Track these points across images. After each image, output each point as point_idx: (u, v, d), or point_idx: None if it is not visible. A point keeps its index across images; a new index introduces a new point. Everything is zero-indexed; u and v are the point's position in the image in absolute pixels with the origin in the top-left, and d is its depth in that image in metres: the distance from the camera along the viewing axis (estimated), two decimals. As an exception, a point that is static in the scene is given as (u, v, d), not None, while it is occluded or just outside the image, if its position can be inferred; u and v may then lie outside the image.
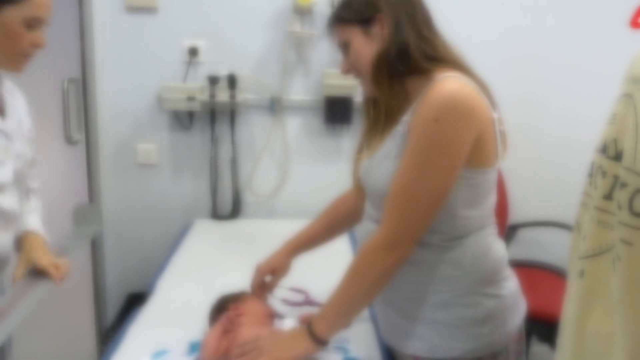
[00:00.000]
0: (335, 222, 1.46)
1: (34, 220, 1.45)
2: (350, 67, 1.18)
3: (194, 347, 1.29)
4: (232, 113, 2.40)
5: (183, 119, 2.42)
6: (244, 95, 2.38)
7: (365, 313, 1.54)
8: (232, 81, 2.33)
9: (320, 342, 1.14)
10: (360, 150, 1.25)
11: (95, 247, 2.42)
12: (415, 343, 1.16)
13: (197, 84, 2.35)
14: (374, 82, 1.12)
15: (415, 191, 1.05)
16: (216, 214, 2.48)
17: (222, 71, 2.35)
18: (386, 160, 1.11)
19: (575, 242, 0.74)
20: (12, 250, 1.35)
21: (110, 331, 2.41)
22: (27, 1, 1.17)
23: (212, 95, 2.33)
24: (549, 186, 2.57)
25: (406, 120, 1.08)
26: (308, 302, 1.56)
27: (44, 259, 1.34)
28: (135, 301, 1.62)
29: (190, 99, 2.31)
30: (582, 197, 0.74)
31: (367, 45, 1.12)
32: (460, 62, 1.11)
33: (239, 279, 1.58)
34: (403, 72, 1.10)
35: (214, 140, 2.43)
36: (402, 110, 1.10)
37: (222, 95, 2.34)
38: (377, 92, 1.14)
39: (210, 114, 2.39)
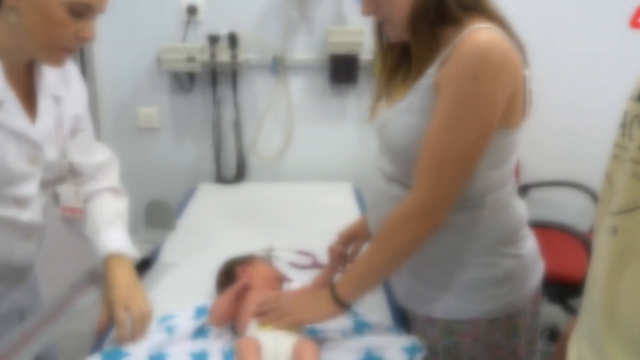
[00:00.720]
0: None
1: (115, 236, 1.23)
2: (374, 10, 1.07)
3: (200, 312, 1.26)
4: (233, 74, 2.32)
5: (183, 81, 2.36)
6: (246, 55, 2.31)
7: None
8: (232, 40, 2.25)
9: (343, 305, 1.10)
10: (378, 99, 1.18)
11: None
12: (431, 305, 1.13)
13: (196, 44, 2.27)
14: (413, 32, 1.03)
15: (449, 154, 0.98)
16: (220, 178, 2.44)
17: (222, 30, 2.27)
18: (407, 114, 1.05)
19: (605, 197, 0.69)
20: (35, 258, 1.22)
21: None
22: None
23: (213, 56, 2.26)
24: (559, 145, 2.51)
25: (432, 73, 1.01)
26: (316, 265, 1.53)
27: (121, 311, 1.13)
28: (140, 267, 1.59)
29: (190, 59, 2.24)
30: (613, 150, 0.68)
31: None
32: (497, 13, 1.02)
33: (245, 243, 1.55)
34: (435, 21, 1.01)
35: (216, 102, 2.36)
36: (430, 62, 1.03)
37: (223, 55, 2.27)
38: (414, 42, 1.04)
39: (211, 75, 2.32)
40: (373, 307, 1.33)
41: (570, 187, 2.47)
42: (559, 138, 2.50)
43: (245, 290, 1.21)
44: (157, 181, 2.46)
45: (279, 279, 1.34)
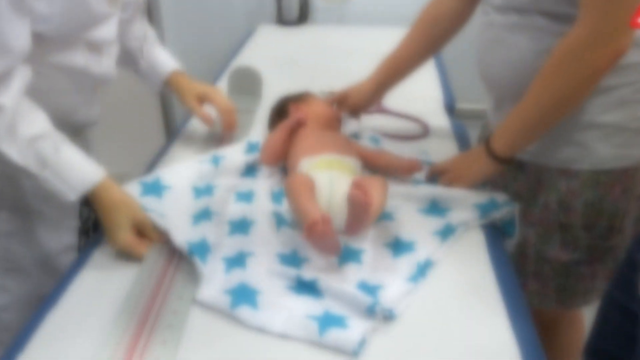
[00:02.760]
0: (430, 35, 1.18)
1: (170, 58, 1.24)
2: None
3: (252, 147, 1.16)
4: None
5: None
6: None
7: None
8: None
9: (501, 160, 0.98)
10: None
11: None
12: (569, 153, 0.97)
13: None
14: None
15: None
16: (282, 19, 2.23)
17: None
18: None
19: None
20: (98, 117, 1.14)
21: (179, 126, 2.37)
22: None
23: None
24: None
25: None
26: (379, 110, 1.36)
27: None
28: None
29: None
30: None
31: None
32: None
33: (303, 87, 1.39)
34: None
35: None
36: None
37: None
38: None
39: None
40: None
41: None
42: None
43: (298, 126, 1.07)
44: (215, 21, 2.28)
45: (336, 119, 1.19)
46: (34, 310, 0.81)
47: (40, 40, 0.89)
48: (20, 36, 0.83)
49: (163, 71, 1.21)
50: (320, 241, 0.82)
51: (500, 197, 0.98)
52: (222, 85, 1.64)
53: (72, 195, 0.88)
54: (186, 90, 1.20)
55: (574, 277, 1.07)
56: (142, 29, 1.19)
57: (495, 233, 0.95)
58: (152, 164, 1.18)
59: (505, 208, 0.96)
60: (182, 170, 1.05)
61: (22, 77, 0.85)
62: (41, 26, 0.87)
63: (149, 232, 0.91)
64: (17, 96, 0.84)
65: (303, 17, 2.22)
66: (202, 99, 1.20)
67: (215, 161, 1.07)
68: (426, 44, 1.20)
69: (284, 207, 0.96)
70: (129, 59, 1.20)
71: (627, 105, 0.92)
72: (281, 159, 1.08)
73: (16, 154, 0.84)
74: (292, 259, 0.87)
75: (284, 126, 1.07)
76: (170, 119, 2.45)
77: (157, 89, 1.24)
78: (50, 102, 0.94)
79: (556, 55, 0.87)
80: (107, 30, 0.99)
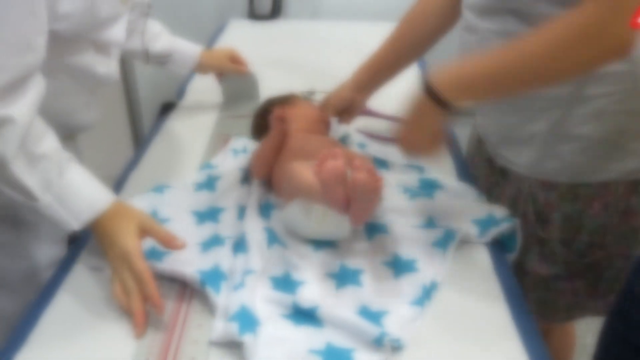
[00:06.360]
0: (414, 35, 1.11)
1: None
2: None
3: (237, 153, 1.12)
4: None
5: None
6: None
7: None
8: None
9: (448, 107, 0.82)
10: None
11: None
12: (549, 164, 0.91)
13: None
14: None
15: None
16: (253, 13, 2.14)
17: None
18: None
19: None
20: (95, 122, 1.07)
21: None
22: None
23: None
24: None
25: None
26: (366, 112, 1.31)
27: None
28: (170, 109, 1.41)
29: None
30: None
31: None
32: None
33: (280, 86, 1.33)
34: None
35: None
36: None
37: None
38: None
39: None
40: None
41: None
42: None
43: (284, 133, 1.00)
44: (184, 17, 2.18)
45: (325, 122, 1.12)
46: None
47: (52, 40, 0.81)
48: (42, 33, 0.75)
49: (193, 57, 1.33)
50: (331, 178, 0.76)
51: (499, 211, 0.93)
52: (191, 85, 1.56)
53: (75, 224, 0.80)
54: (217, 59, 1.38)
55: (554, 291, 1.02)
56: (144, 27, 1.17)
57: (499, 250, 0.91)
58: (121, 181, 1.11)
59: (505, 224, 0.91)
60: (178, 198, 0.99)
61: (37, 87, 0.77)
62: (59, 24, 0.81)
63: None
64: (32, 109, 0.75)
65: (276, 11, 2.14)
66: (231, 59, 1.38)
67: (210, 183, 1.02)
68: (410, 44, 1.13)
69: (273, 222, 0.90)
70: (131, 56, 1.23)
71: (605, 116, 0.86)
72: (270, 168, 1.01)
73: (22, 173, 0.75)
74: (286, 283, 0.80)
75: (272, 136, 1.00)
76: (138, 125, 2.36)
77: (185, 72, 1.36)
78: (47, 104, 0.84)
79: (549, 28, 0.75)
80: (117, 30, 0.94)
